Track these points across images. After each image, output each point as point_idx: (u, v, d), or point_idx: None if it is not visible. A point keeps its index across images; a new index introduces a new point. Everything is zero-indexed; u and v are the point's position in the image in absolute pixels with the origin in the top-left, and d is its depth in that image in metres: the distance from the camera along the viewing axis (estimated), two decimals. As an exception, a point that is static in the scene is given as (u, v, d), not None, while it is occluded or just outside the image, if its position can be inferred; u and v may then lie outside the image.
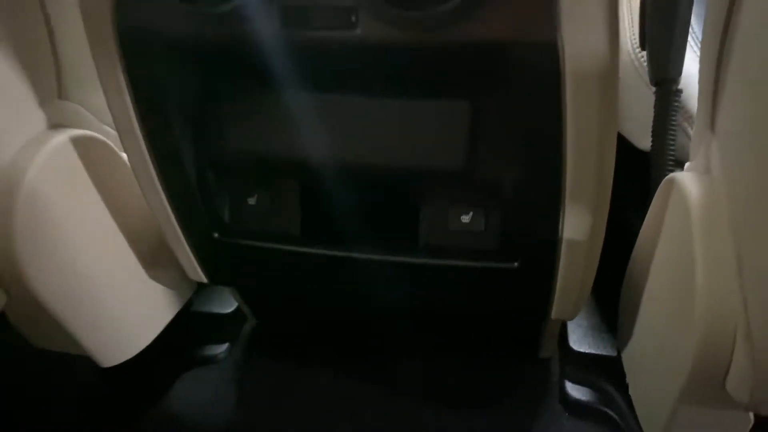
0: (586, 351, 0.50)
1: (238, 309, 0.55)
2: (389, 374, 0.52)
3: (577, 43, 0.27)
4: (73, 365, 0.48)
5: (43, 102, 0.38)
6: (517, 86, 0.29)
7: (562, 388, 0.49)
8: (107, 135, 0.42)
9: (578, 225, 0.34)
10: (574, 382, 0.50)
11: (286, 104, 0.34)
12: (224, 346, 0.55)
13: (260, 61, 0.31)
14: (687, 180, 0.32)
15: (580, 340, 0.50)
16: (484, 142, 0.33)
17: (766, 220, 0.25)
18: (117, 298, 0.45)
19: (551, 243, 0.35)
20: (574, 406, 0.49)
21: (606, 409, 0.48)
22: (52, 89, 0.39)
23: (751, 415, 0.34)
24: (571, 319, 0.45)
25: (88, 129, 0.41)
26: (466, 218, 0.36)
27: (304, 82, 0.32)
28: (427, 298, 0.42)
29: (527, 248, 0.36)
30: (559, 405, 0.49)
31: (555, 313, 0.40)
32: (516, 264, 0.37)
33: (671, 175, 0.34)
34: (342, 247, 0.39)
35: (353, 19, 0.28)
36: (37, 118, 0.38)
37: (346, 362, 0.53)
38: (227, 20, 0.29)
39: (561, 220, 0.34)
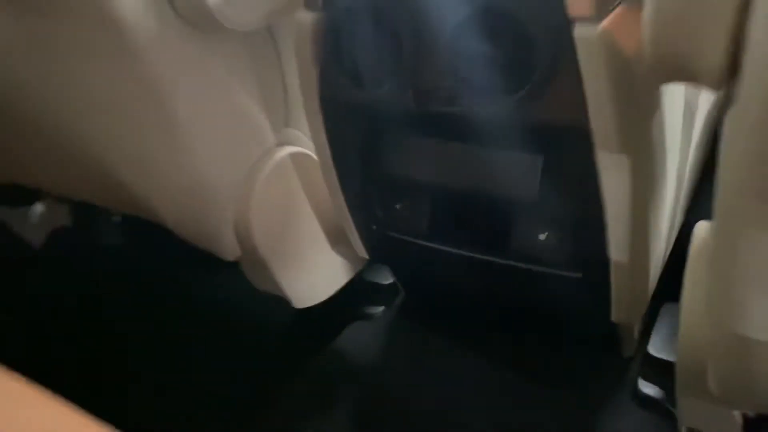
0: (663, 357, 0.60)
1: (394, 283, 0.73)
2: (499, 357, 0.66)
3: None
4: (279, 305, 0.69)
5: (275, 128, 0.59)
6: (563, 150, 0.43)
7: (635, 385, 0.60)
8: (314, 151, 0.62)
9: (620, 249, 0.46)
10: (646, 380, 0.60)
11: (421, 147, 0.50)
12: (380, 309, 0.73)
13: (402, 120, 0.48)
14: (699, 225, 0.42)
15: (660, 345, 0.61)
16: (549, 186, 0.47)
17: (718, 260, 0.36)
18: (312, 263, 0.66)
19: (603, 261, 0.48)
20: (643, 401, 0.60)
21: (670, 407, 0.58)
22: (281, 119, 0.60)
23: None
24: (632, 323, 0.56)
25: (303, 148, 0.61)
26: (542, 237, 0.50)
27: (432, 135, 0.49)
28: (512, 296, 0.56)
29: (586, 264, 0.49)
30: (630, 400, 0.60)
31: (615, 317, 0.52)
32: (580, 275, 0.50)
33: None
34: (457, 246, 0.55)
35: (458, 101, 0.44)
36: (269, 139, 0.59)
37: (471, 340, 0.68)
38: (383, 97, 0.46)
39: (607, 245, 0.46)
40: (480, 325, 0.67)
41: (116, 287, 0.84)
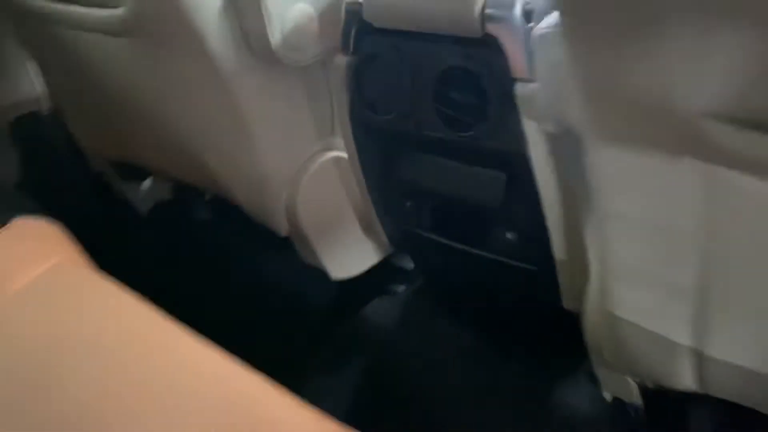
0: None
1: (415, 268, 0.90)
2: (486, 336, 0.81)
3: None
4: (320, 279, 0.87)
5: (321, 137, 0.77)
6: (514, 170, 0.58)
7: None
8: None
9: (559, 250, 0.61)
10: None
11: (421, 161, 0.67)
12: (402, 287, 0.90)
13: (406, 139, 0.65)
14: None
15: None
16: (509, 197, 0.62)
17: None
18: (346, 243, 0.84)
19: (550, 258, 0.62)
20: (591, 377, 0.73)
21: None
22: (327, 130, 0.78)
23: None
24: (577, 311, 0.70)
25: (343, 153, 0.78)
26: (509, 235, 0.66)
27: (428, 152, 0.65)
28: (495, 284, 0.71)
29: (538, 260, 0.64)
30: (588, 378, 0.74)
31: (565, 305, 0.67)
32: (535, 268, 0.65)
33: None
34: (452, 239, 0.71)
35: (441, 129, 0.60)
36: (316, 145, 0.77)
37: (470, 319, 0.84)
38: (391, 122, 0.63)
39: (551, 245, 0.61)
40: (475, 308, 0.83)
41: (200, 253, 1.05)
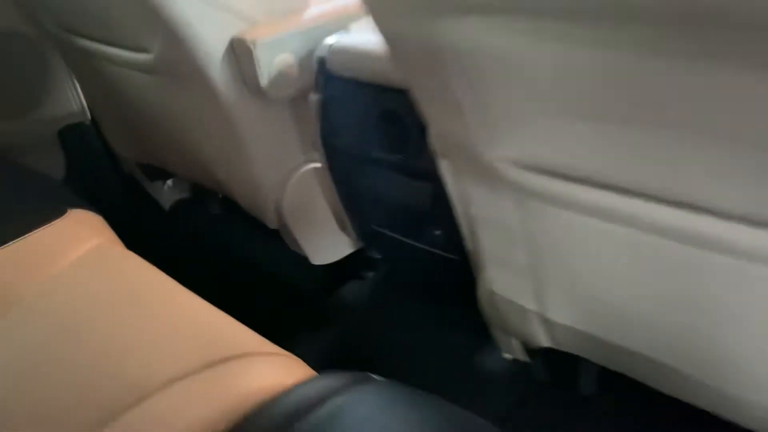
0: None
1: (381, 257, 1.11)
2: (434, 313, 1.02)
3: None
4: (303, 263, 1.08)
5: (304, 151, 0.98)
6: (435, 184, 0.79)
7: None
8: (329, 167, 1.01)
9: (468, 243, 0.81)
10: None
11: (376, 174, 0.88)
12: (371, 273, 1.11)
13: (361, 156, 0.86)
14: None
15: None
16: (436, 202, 0.82)
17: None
18: (324, 236, 1.05)
19: (464, 250, 0.83)
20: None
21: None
22: (308, 145, 0.99)
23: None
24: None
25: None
26: (437, 232, 0.86)
27: (379, 166, 0.86)
28: (440, 272, 0.92)
29: (459, 251, 0.85)
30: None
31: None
32: (459, 258, 0.86)
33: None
34: (396, 232, 0.92)
35: (384, 152, 0.81)
36: (300, 157, 0.98)
37: (425, 297, 1.04)
38: (349, 144, 0.84)
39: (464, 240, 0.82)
40: (423, 289, 1.04)
41: (212, 240, 1.27)
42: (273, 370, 0.55)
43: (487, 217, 0.63)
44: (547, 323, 0.68)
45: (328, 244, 1.06)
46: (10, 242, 0.82)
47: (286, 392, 0.49)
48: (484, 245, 0.68)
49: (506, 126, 0.50)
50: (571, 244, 0.57)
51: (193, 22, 0.80)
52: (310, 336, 1.05)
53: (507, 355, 0.85)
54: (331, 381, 0.50)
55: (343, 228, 1.06)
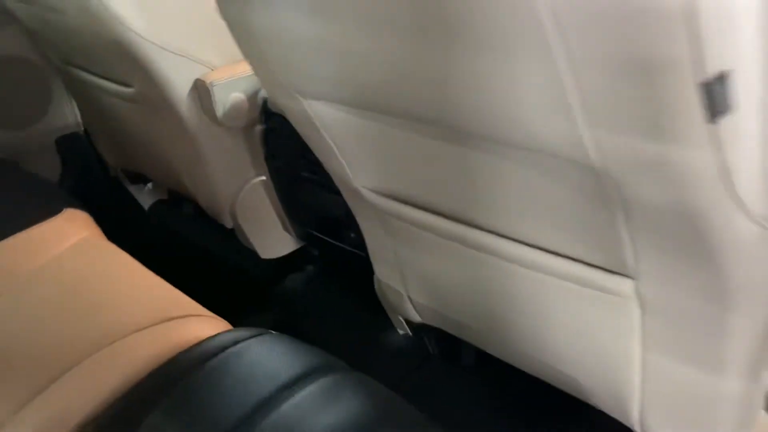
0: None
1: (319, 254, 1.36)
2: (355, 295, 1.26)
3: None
4: (254, 257, 1.32)
5: (255, 166, 1.23)
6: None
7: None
8: (275, 180, 1.25)
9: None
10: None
11: (305, 189, 1.12)
12: (311, 266, 1.36)
13: (293, 173, 1.10)
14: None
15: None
16: (349, 210, 1.07)
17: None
18: (271, 234, 1.29)
19: (371, 250, 1.07)
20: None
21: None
22: (260, 163, 1.23)
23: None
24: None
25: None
26: (353, 234, 1.11)
27: (308, 182, 1.11)
28: (353, 265, 1.17)
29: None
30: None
31: (386, 278, 1.12)
32: (366, 254, 1.10)
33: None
34: (325, 234, 1.16)
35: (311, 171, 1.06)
36: (252, 171, 1.22)
37: (348, 282, 1.29)
38: (285, 163, 1.09)
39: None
40: (349, 280, 1.28)
41: (183, 235, 1.52)
42: (204, 327, 0.79)
43: (366, 226, 0.88)
44: (413, 302, 0.93)
45: (274, 242, 1.31)
46: (11, 235, 1.06)
47: (206, 340, 0.73)
48: (369, 246, 0.92)
49: (359, 166, 0.74)
50: (417, 248, 0.82)
51: (163, 67, 1.05)
52: (258, 314, 1.29)
53: (401, 331, 1.10)
54: (239, 333, 0.74)
55: (286, 229, 1.31)
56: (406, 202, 0.75)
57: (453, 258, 0.77)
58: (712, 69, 0.36)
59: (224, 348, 0.71)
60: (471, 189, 0.65)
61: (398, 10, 0.46)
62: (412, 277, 0.88)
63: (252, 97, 1.11)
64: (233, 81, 1.09)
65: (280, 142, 1.09)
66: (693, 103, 0.38)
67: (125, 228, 1.34)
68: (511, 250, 0.68)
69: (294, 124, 0.76)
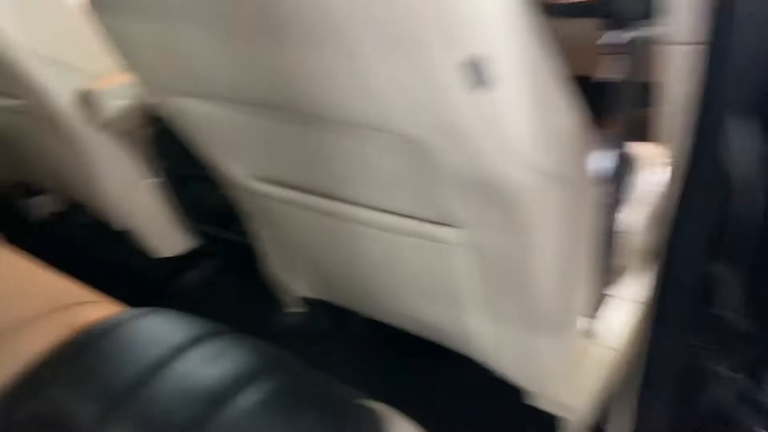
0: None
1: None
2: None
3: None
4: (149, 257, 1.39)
5: (145, 166, 1.30)
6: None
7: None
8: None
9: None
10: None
11: (191, 186, 1.21)
12: (206, 261, 1.44)
13: (183, 175, 1.19)
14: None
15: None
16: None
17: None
18: (166, 234, 1.37)
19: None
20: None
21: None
22: (147, 164, 1.31)
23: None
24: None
25: (159, 179, 1.32)
26: (240, 225, 1.20)
27: (194, 181, 1.20)
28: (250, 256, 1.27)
29: (255, 238, 1.19)
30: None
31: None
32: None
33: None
34: (214, 225, 1.25)
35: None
36: (141, 174, 1.30)
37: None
38: (172, 166, 1.17)
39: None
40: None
41: (79, 239, 1.56)
42: (101, 311, 0.87)
43: (248, 213, 0.98)
44: (298, 279, 1.04)
45: (168, 241, 1.38)
46: None
47: (101, 321, 0.81)
48: (252, 231, 1.02)
49: (232, 156, 0.85)
50: (294, 226, 0.93)
51: (46, 78, 1.11)
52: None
53: (294, 310, 1.20)
54: (134, 311, 0.83)
55: (181, 228, 1.38)
56: (278, 184, 0.86)
57: (324, 231, 0.88)
58: (461, 52, 0.50)
59: (120, 323, 0.80)
60: (325, 165, 0.76)
61: (233, 13, 0.57)
62: (295, 256, 0.99)
63: (136, 102, 1.19)
64: (117, 89, 1.16)
65: (167, 143, 1.17)
66: (454, 80, 0.51)
67: (28, 236, 1.37)
68: (365, 215, 0.80)
69: (171, 123, 0.85)
